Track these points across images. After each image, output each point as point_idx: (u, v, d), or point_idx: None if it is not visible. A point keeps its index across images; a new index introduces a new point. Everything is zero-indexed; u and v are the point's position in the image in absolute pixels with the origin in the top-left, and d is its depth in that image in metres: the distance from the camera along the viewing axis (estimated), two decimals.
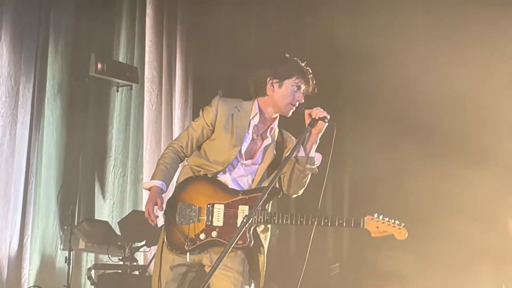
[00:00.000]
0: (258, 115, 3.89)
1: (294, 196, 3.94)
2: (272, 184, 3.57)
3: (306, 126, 3.78)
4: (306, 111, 3.81)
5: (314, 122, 3.77)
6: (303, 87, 3.85)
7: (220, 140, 3.85)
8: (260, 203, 3.59)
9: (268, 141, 3.91)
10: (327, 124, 3.78)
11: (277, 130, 3.96)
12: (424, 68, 7.23)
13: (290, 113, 3.89)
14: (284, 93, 3.84)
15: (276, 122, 3.95)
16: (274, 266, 4.66)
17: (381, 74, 7.39)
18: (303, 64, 3.88)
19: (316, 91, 3.88)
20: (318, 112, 3.77)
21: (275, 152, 3.90)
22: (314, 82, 3.88)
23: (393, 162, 7.29)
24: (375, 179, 7.59)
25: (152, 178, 3.87)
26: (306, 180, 3.87)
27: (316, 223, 3.69)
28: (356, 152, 7.92)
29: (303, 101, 3.86)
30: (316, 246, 3.74)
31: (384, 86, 7.46)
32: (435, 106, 7.39)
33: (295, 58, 3.91)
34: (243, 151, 3.85)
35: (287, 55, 3.93)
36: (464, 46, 7.02)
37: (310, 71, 3.87)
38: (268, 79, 3.85)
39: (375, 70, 7.50)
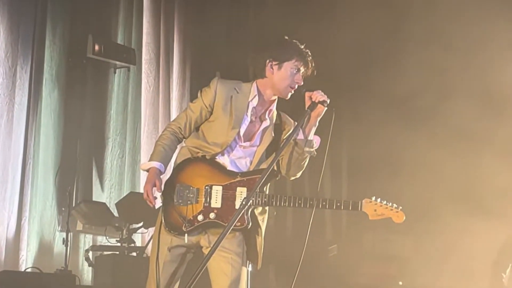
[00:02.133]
0: (256, 97, 3.87)
1: (292, 178, 3.94)
2: (271, 167, 3.57)
3: (306, 109, 3.77)
4: (307, 94, 3.79)
5: (313, 105, 3.76)
6: (302, 69, 3.84)
7: (218, 121, 3.84)
8: (259, 186, 3.59)
9: (266, 123, 3.90)
10: (326, 108, 3.77)
11: (275, 113, 3.95)
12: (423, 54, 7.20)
13: (289, 96, 3.88)
14: (283, 76, 3.83)
15: (275, 104, 3.94)
16: (271, 247, 4.66)
17: (381, 58, 7.36)
18: (302, 47, 3.87)
19: (315, 73, 3.87)
20: (319, 96, 3.75)
21: (273, 135, 3.89)
22: (314, 64, 3.87)
23: (392, 146, 7.29)
24: (373, 162, 7.60)
25: (150, 159, 3.86)
26: (304, 163, 3.87)
27: (314, 205, 3.70)
28: (355, 136, 7.92)
29: (302, 83, 3.85)
30: (314, 228, 3.74)
31: (384, 70, 7.43)
32: (436, 90, 7.37)
33: (294, 41, 3.89)
34: (241, 133, 3.84)
35: (287, 38, 3.92)
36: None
37: (310, 54, 3.86)
38: (267, 61, 3.84)
39: (376, 54, 7.48)
